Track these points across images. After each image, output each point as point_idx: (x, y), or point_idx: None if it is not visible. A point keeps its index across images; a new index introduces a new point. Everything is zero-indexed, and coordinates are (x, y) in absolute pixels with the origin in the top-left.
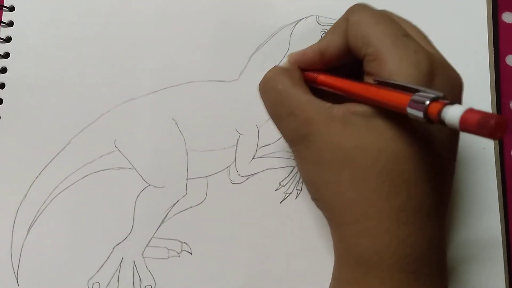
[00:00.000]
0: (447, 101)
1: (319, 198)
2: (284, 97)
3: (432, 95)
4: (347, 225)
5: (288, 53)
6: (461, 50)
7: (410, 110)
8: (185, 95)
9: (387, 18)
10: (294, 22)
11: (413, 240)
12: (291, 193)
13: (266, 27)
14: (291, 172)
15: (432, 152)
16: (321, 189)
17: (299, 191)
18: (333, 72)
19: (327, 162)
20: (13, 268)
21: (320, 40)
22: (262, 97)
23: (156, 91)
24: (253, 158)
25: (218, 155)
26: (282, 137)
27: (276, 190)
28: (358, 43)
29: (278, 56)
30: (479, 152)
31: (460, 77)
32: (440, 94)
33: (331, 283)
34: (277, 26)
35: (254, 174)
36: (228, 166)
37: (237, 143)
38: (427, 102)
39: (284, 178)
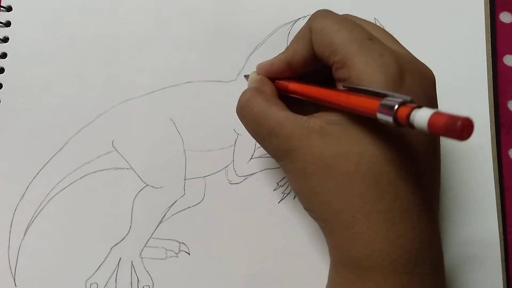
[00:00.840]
0: (414, 105)
1: (309, 208)
2: (261, 119)
3: (399, 100)
4: (338, 232)
5: None
6: (458, 50)
7: (380, 116)
8: (183, 95)
9: (350, 23)
10: (292, 21)
11: (404, 241)
12: (289, 193)
13: (264, 27)
14: None
15: (412, 151)
16: (310, 200)
17: None
18: (305, 78)
19: (311, 174)
20: (10, 269)
21: (286, 49)
22: (241, 121)
23: (154, 91)
24: (251, 158)
25: (216, 155)
26: None
27: (274, 190)
28: (324, 51)
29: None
30: (477, 152)
31: (432, 73)
32: (408, 98)
33: (327, 285)
34: (275, 26)
35: (252, 174)
36: (226, 166)
37: (235, 143)
38: (396, 107)
39: (282, 178)
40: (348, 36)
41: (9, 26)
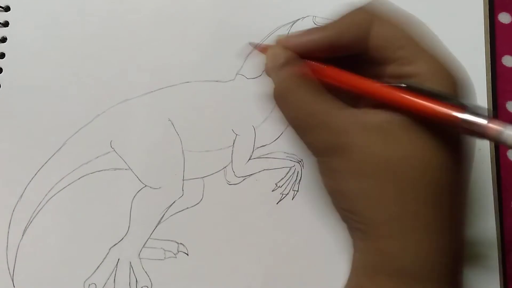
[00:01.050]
0: (502, 123)
1: (353, 211)
2: (311, 108)
3: (484, 113)
4: (388, 239)
5: None
6: (457, 51)
7: (461, 127)
8: (181, 96)
9: (417, 21)
10: (291, 22)
11: (448, 250)
12: (287, 194)
13: (263, 27)
14: (287, 173)
15: (464, 161)
16: (358, 202)
17: (295, 192)
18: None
19: (367, 174)
20: (8, 269)
21: (327, 28)
22: (281, 109)
23: (152, 92)
24: (249, 159)
25: (214, 156)
26: (280, 137)
27: (272, 191)
28: (388, 44)
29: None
30: (475, 153)
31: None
32: (487, 113)
33: None
34: (274, 27)
35: (251, 175)
36: (225, 167)
37: (233, 143)
38: (485, 123)
39: (281, 179)
40: (420, 34)
41: (7, 26)
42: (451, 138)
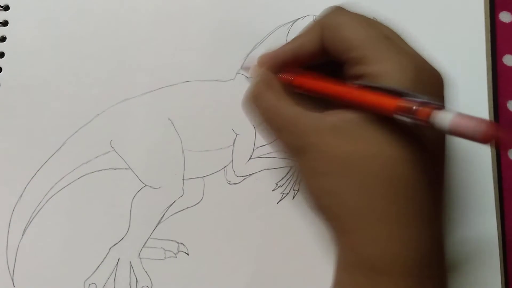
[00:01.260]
0: (435, 105)
1: (321, 208)
2: (272, 113)
3: (419, 100)
4: (351, 233)
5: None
6: (458, 50)
7: (397, 116)
8: (181, 95)
9: (366, 20)
10: (291, 21)
11: (416, 244)
12: (288, 193)
13: (263, 27)
14: (288, 172)
15: (426, 152)
16: (322, 199)
17: (296, 192)
18: (307, 71)
19: (325, 173)
20: (8, 269)
21: (292, 41)
22: (251, 116)
23: (152, 91)
24: (250, 159)
25: (214, 155)
26: None
27: (273, 190)
28: (338, 47)
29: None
30: (475, 152)
31: (441, 75)
32: (427, 100)
33: (333, 287)
34: (274, 26)
35: (251, 174)
36: (225, 167)
37: (233, 143)
38: (414, 107)
39: (281, 179)
40: (366, 33)
41: (7, 25)
42: (411, 133)
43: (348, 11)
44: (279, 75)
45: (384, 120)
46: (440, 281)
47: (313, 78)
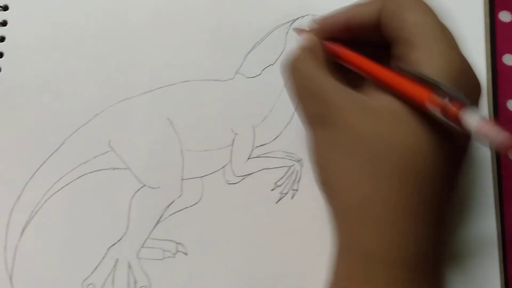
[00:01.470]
0: (466, 104)
1: (327, 184)
2: (308, 80)
3: (453, 95)
4: (351, 213)
5: (284, 52)
6: None
7: (429, 106)
8: (180, 95)
9: (428, 6)
10: (290, 21)
11: (415, 235)
12: (287, 193)
13: (262, 26)
14: (287, 172)
15: (448, 149)
16: (330, 175)
17: (295, 191)
18: (354, 47)
19: (343, 148)
20: (7, 269)
21: (348, 7)
22: (286, 78)
23: (151, 91)
24: (249, 158)
25: (213, 155)
26: (279, 137)
27: (272, 190)
28: (393, 23)
29: (274, 55)
30: (475, 152)
31: (480, 87)
32: (461, 97)
33: (329, 276)
34: (273, 25)
35: (250, 174)
36: (224, 166)
37: (232, 143)
38: (446, 103)
39: (280, 178)
40: (424, 17)
41: (6, 25)
42: (442, 130)
43: None
44: (325, 42)
45: (417, 111)
46: (435, 277)
47: (357, 54)
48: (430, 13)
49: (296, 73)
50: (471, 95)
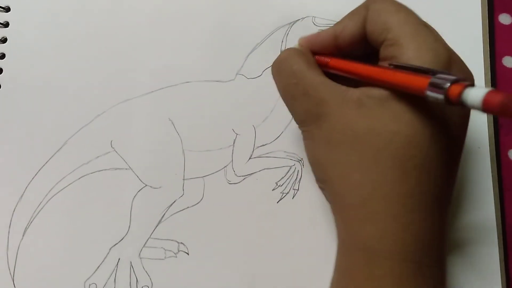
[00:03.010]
0: (467, 83)
1: (325, 180)
2: (298, 78)
3: (452, 77)
4: (352, 209)
5: None
6: (457, 51)
7: (429, 92)
8: (182, 95)
9: (408, 9)
10: (291, 22)
11: (417, 228)
12: (288, 193)
13: (263, 28)
14: (288, 171)
15: (445, 139)
16: (328, 170)
17: (296, 191)
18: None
19: (338, 143)
20: (9, 269)
21: (335, 24)
22: (274, 77)
23: (152, 92)
24: (250, 158)
25: (215, 155)
26: (280, 137)
27: (273, 190)
28: (377, 29)
29: (274, 56)
30: (474, 151)
31: (473, 75)
32: (461, 77)
33: (333, 274)
34: (274, 27)
35: (251, 174)
36: (225, 166)
37: (234, 143)
38: (448, 84)
39: (281, 178)
40: (405, 17)
41: (8, 26)
42: (434, 115)
43: None
44: (316, 56)
45: (409, 100)
46: (438, 271)
47: (348, 61)
48: (410, 12)
49: (285, 71)
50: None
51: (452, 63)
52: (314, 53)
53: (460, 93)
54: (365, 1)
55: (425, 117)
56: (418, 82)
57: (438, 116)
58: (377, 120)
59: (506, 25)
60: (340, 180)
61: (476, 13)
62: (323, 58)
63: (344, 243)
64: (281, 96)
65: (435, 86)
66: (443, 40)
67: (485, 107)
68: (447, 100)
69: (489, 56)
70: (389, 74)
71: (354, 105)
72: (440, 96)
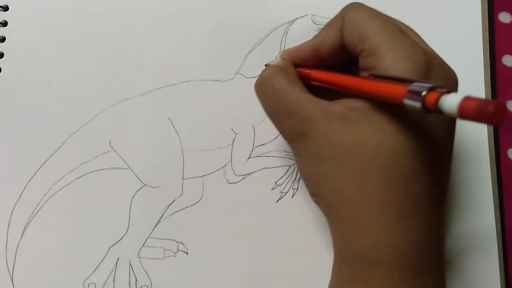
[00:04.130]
0: (444, 90)
1: (318, 195)
2: (281, 96)
3: (429, 85)
4: (346, 222)
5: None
6: (456, 51)
7: (407, 101)
8: (181, 95)
9: (383, 16)
10: (290, 21)
11: (412, 236)
12: (287, 192)
13: (262, 26)
14: (287, 171)
15: (431, 145)
16: (319, 186)
17: (295, 190)
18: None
19: (326, 159)
20: (8, 269)
21: (314, 36)
22: (258, 97)
23: (151, 91)
24: (249, 158)
25: (214, 155)
26: (279, 136)
27: (272, 189)
28: (354, 39)
29: (273, 55)
30: (474, 151)
31: (455, 75)
32: (438, 84)
33: (330, 281)
34: (273, 25)
35: (250, 173)
36: (224, 166)
37: (233, 142)
38: (424, 92)
39: (280, 177)
40: (380, 26)
41: (6, 25)
42: (418, 124)
43: (367, 7)
44: (298, 69)
45: (391, 110)
46: (438, 275)
47: (329, 72)
48: (386, 19)
49: (268, 90)
50: (448, 84)
51: (432, 68)
52: (296, 65)
53: (437, 100)
54: (341, 11)
55: (408, 126)
56: (396, 91)
57: (421, 123)
58: (362, 133)
59: (506, 23)
60: (332, 195)
61: (476, 11)
62: (305, 70)
63: (341, 254)
64: (267, 115)
65: (412, 94)
66: (422, 44)
67: (460, 113)
68: (425, 107)
69: (488, 54)
70: (368, 84)
71: (337, 119)
72: (418, 104)
